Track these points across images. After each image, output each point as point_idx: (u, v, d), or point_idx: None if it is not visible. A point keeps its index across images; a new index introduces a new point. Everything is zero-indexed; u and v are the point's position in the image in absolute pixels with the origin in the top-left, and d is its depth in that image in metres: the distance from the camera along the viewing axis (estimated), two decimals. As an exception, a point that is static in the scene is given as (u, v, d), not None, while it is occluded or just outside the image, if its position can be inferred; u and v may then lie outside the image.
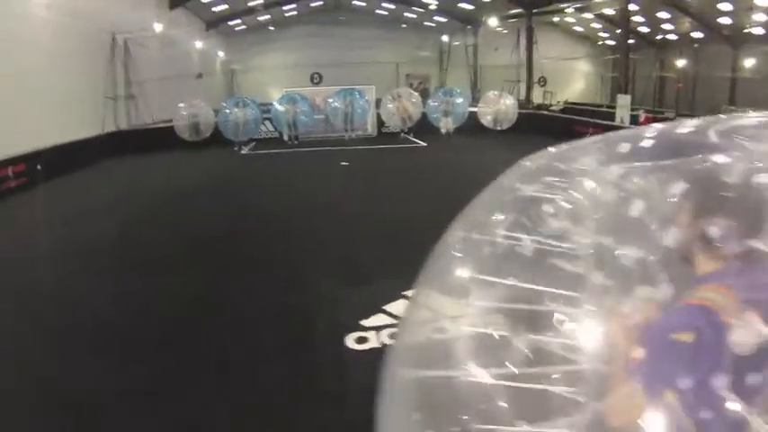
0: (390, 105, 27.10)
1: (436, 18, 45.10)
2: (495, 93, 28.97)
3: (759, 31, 32.52)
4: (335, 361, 5.82)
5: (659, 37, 40.57)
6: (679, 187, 1.52)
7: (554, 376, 1.69)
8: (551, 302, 1.71)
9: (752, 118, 1.63)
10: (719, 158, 1.47)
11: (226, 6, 36.74)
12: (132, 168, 20.31)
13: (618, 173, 1.65)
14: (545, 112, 30.95)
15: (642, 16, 36.75)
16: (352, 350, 5.98)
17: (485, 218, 1.94)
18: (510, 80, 37.32)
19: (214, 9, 36.50)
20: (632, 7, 29.29)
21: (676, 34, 38.43)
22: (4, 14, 16.26)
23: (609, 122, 22.18)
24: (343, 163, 19.42)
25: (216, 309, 7.29)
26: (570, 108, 34.83)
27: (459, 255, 1.93)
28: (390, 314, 6.63)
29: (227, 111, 25.25)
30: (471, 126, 26.73)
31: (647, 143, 1.67)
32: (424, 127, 26.51)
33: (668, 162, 1.55)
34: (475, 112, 27.73)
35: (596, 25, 43.86)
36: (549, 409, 1.66)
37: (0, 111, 14.90)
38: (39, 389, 5.44)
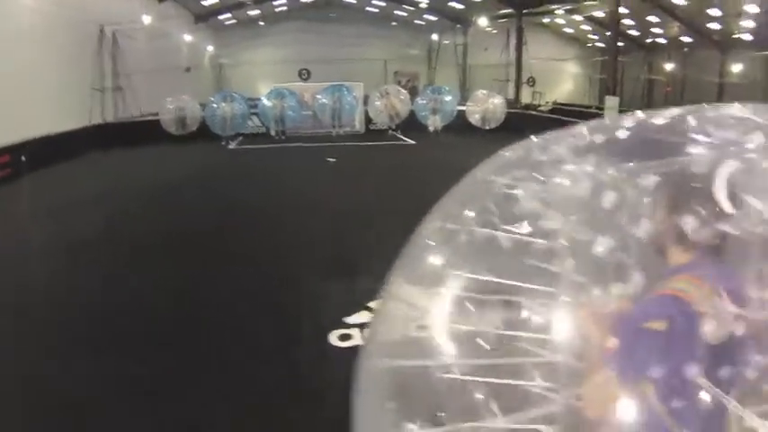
0: (378, 102, 27.10)
1: (426, 16, 45.05)
2: (484, 92, 29.08)
3: (747, 37, 32.79)
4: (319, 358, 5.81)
5: (648, 40, 40.80)
6: (652, 180, 1.53)
7: (528, 367, 1.69)
8: (524, 294, 1.71)
9: (727, 109, 1.63)
10: (694, 150, 1.48)
11: (216, 0, 36.54)
12: (118, 161, 20.14)
13: (593, 165, 1.65)
14: (533, 112, 31.02)
15: (632, 19, 36.92)
16: (336, 347, 5.97)
17: (459, 209, 1.94)
18: (499, 80, 37.42)
19: (204, 2, 36.30)
20: (622, 10, 29.40)
21: (665, 38, 38.66)
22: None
23: (596, 124, 22.10)
24: (330, 159, 19.37)
25: (203, 304, 7.26)
26: (559, 109, 34.89)
27: (432, 244, 1.93)
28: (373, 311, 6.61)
29: (215, 105, 25.18)
30: (459, 124, 26.79)
31: (623, 134, 1.67)
32: (412, 125, 26.53)
33: (642, 154, 1.55)
34: (463, 111, 27.80)
35: (586, 27, 43.99)
36: (524, 400, 1.66)
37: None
38: (29, 385, 5.37)
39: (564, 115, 29.76)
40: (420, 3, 41.65)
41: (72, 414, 4.85)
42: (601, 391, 1.49)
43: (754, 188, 1.41)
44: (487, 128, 26.96)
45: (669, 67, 36.51)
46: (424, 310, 1.82)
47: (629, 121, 1.70)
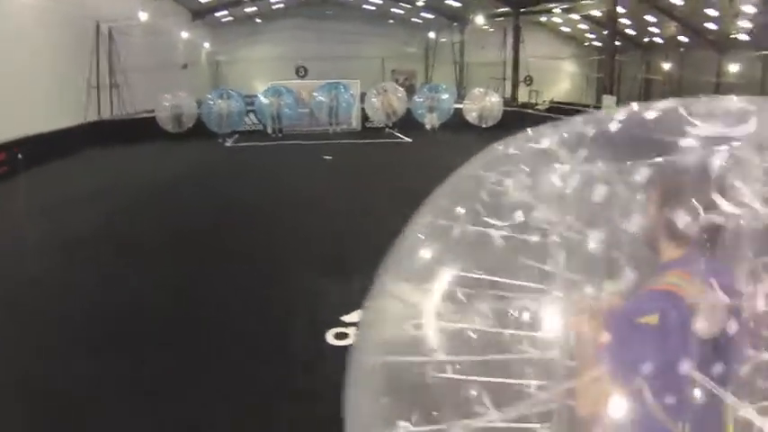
0: (375, 100, 27.08)
1: (423, 14, 45.07)
2: (481, 90, 29.06)
3: (744, 37, 32.85)
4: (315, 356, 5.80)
5: (645, 39, 40.86)
6: (644, 174, 1.52)
7: (520, 364, 1.69)
8: (516, 290, 1.71)
9: (721, 102, 1.63)
10: (685, 143, 1.47)
11: (213, -3, 36.55)
12: (115, 158, 20.06)
13: (584, 159, 1.64)
14: (530, 111, 31.02)
15: (629, 19, 36.98)
16: (332, 346, 5.96)
17: (449, 204, 1.93)
18: (496, 78, 37.42)
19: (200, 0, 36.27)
20: (619, 9, 29.43)
21: (662, 38, 38.70)
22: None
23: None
24: (327, 157, 19.34)
25: (201, 302, 7.24)
26: (556, 107, 34.88)
27: (422, 239, 1.92)
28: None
29: (212, 102, 25.11)
30: (456, 122, 26.76)
31: (615, 127, 1.67)
32: (408, 122, 26.50)
33: (634, 148, 1.55)
34: (460, 109, 27.79)
35: (583, 26, 44.04)
36: (516, 397, 1.65)
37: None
38: (28, 385, 5.33)
39: (561, 114, 29.80)
40: (417, 0, 41.62)
41: (72, 414, 4.82)
42: (594, 387, 1.48)
43: (745, 182, 1.41)
44: (484, 126, 26.94)
45: (666, 66, 36.52)
46: (415, 306, 1.81)
47: (621, 113, 1.69)
